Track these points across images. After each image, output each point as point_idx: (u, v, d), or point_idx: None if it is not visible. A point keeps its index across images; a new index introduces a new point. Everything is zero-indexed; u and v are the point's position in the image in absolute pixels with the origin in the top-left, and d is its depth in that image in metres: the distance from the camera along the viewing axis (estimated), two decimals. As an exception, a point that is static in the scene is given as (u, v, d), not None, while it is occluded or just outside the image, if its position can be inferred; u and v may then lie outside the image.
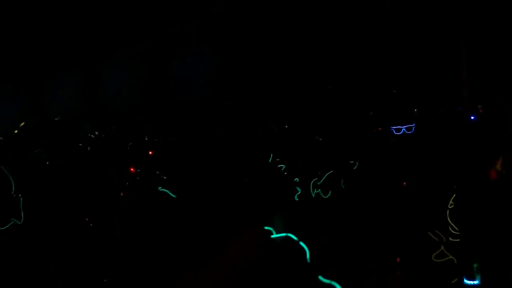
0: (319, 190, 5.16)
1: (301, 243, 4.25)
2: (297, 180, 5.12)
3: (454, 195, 4.36)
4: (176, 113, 5.57)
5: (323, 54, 5.44)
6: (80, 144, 5.57)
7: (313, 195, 5.18)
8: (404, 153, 5.14)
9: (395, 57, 5.39)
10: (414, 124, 5.27)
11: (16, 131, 5.39)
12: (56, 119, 5.63)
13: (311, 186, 5.24)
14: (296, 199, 5.09)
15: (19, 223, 5.10)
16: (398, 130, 5.30)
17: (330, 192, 5.13)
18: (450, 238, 4.37)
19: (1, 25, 5.48)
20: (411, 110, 5.27)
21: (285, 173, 5.33)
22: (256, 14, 5.48)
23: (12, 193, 5.13)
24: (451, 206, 4.34)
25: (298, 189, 5.12)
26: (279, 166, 5.35)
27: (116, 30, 5.69)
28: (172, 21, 5.63)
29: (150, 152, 5.52)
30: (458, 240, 4.22)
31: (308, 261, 4.23)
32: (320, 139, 5.48)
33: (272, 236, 4.50)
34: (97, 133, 5.43)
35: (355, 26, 5.32)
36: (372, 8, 5.37)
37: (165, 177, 5.23)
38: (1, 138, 5.34)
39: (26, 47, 5.65)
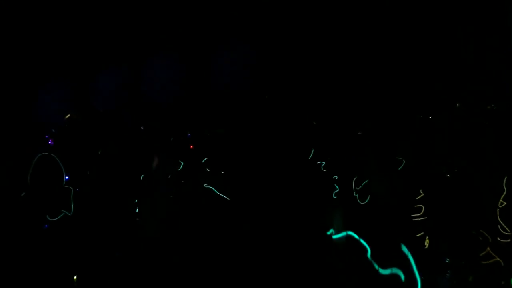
0: (357, 195, 5.15)
1: (362, 241, 4.28)
2: (336, 178, 5.12)
3: (505, 192, 4.30)
4: (218, 107, 5.60)
5: (365, 49, 5.38)
6: (125, 136, 5.68)
7: (355, 194, 5.18)
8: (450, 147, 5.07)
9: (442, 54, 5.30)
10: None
11: (65, 124, 5.54)
12: (101, 110, 5.75)
13: (353, 184, 5.23)
14: (334, 197, 5.10)
15: (69, 214, 5.26)
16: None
17: (368, 198, 5.12)
18: (499, 239, 4.33)
19: (48, 21, 5.61)
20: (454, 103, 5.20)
21: (325, 170, 5.33)
22: (300, 8, 5.46)
23: (64, 184, 5.30)
24: (502, 205, 4.28)
25: (337, 186, 5.12)
26: (318, 162, 5.35)
27: (160, 23, 5.74)
28: (214, 14, 5.64)
29: (191, 146, 5.57)
30: (509, 240, 4.17)
31: (370, 258, 4.26)
32: (360, 133, 5.45)
33: (334, 237, 4.53)
34: (142, 127, 5.54)
35: (396, 21, 5.25)
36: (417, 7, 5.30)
37: (210, 172, 5.29)
38: (53, 130, 5.49)
39: (72, 42, 5.76)
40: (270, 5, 5.49)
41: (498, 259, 4.48)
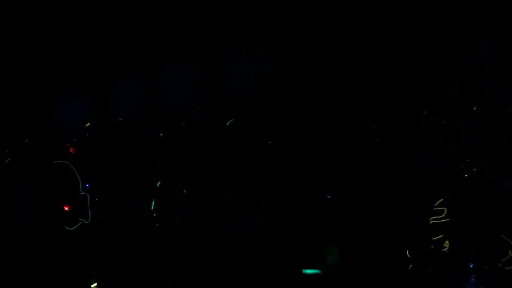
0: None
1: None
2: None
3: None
4: (235, 113, 5.63)
5: (380, 54, 5.36)
6: (143, 144, 5.74)
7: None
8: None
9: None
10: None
11: (86, 133, 5.64)
12: (119, 119, 5.84)
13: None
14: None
15: (86, 222, 5.33)
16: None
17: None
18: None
19: (67, 29, 5.75)
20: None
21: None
22: (313, 16, 5.49)
23: (80, 191, 5.37)
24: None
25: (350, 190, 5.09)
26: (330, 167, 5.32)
27: (176, 31, 5.83)
28: (229, 21, 5.71)
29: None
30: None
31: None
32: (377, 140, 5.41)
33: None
34: (161, 134, 5.61)
35: (410, 27, 5.24)
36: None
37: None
38: (75, 139, 5.60)
39: (92, 52, 5.88)
40: (285, 13, 5.54)
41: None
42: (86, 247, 5.34)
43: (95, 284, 5.38)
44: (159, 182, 5.58)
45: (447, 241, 4.63)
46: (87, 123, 5.77)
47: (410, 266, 4.76)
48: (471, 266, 4.59)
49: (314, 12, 5.54)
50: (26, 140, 5.69)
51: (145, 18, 5.82)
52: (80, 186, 5.41)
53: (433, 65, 5.25)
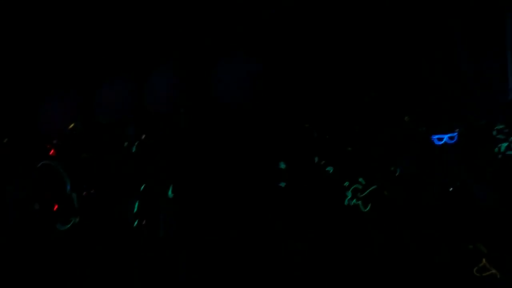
0: (359, 202, 5.20)
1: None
2: (347, 184, 5.18)
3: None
4: (220, 117, 5.66)
5: (371, 58, 5.46)
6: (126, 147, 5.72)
7: (350, 203, 5.23)
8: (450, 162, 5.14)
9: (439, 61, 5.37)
10: (456, 133, 5.26)
11: (67, 133, 5.59)
12: (104, 122, 5.80)
13: (349, 193, 5.27)
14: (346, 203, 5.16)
15: (75, 222, 5.29)
16: (440, 139, 5.29)
17: (369, 206, 5.18)
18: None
19: (54, 31, 5.69)
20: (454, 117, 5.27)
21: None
22: (307, 16, 5.54)
23: (67, 191, 5.33)
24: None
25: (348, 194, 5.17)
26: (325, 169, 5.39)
27: (164, 34, 5.82)
28: (219, 24, 5.73)
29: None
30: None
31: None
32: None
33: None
34: (143, 136, 5.58)
35: (402, 30, 5.33)
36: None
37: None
38: (55, 141, 5.54)
39: (77, 54, 5.83)
40: (273, 17, 5.58)
41: (494, 271, 4.53)
42: (72, 248, 5.31)
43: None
44: (143, 186, 5.56)
45: None
46: (70, 125, 5.71)
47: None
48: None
49: (306, 15, 5.59)
50: (5, 140, 5.62)
51: (132, 21, 5.79)
52: (68, 186, 5.37)
53: (417, 71, 5.36)
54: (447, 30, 5.27)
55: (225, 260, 5.08)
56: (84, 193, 5.46)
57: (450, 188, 4.93)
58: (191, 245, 5.21)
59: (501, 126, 5.04)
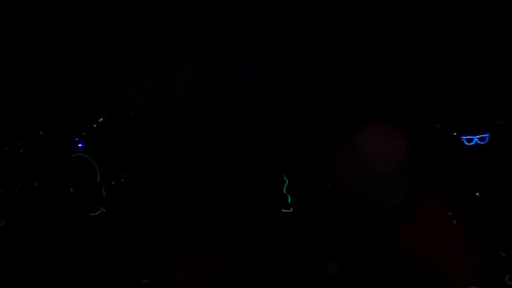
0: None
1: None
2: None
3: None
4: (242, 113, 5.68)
5: (391, 60, 5.38)
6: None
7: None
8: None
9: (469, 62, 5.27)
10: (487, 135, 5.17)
11: (95, 126, 5.71)
12: (130, 115, 5.88)
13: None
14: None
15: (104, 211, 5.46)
16: (470, 140, 5.21)
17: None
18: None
19: (80, 27, 5.77)
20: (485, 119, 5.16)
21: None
22: (325, 17, 5.49)
23: (98, 182, 5.47)
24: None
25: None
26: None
27: (187, 30, 5.84)
28: (243, 21, 5.71)
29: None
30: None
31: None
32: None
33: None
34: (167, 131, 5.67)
35: (434, 32, 5.24)
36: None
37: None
38: (84, 134, 5.67)
39: (105, 49, 5.90)
40: (297, 14, 5.55)
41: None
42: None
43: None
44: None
45: None
46: (99, 118, 5.82)
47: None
48: None
49: (328, 13, 5.54)
50: (41, 132, 5.77)
51: (158, 17, 5.83)
52: (98, 177, 5.53)
53: (450, 75, 5.26)
54: (479, 34, 5.15)
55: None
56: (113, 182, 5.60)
57: (476, 193, 4.86)
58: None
59: None
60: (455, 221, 4.83)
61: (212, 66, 5.78)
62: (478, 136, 5.19)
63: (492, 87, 5.17)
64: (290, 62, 5.57)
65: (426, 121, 5.25)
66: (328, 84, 5.56)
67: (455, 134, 5.11)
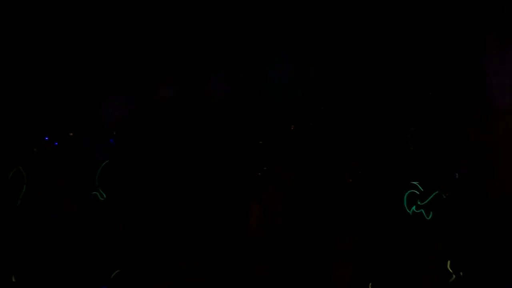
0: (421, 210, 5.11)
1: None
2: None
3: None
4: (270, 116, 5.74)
5: (421, 60, 5.37)
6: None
7: (410, 212, 5.14)
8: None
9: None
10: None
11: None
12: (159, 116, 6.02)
13: (405, 199, 5.19)
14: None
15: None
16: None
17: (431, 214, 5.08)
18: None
19: (115, 31, 5.97)
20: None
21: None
22: (351, 21, 5.55)
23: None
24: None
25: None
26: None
27: (219, 37, 5.98)
28: (272, 26, 5.82)
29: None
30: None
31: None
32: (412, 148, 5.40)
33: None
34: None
35: (465, 34, 5.21)
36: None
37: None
38: (115, 133, 5.83)
39: (138, 52, 6.07)
40: (324, 19, 5.62)
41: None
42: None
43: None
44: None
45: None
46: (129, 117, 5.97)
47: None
48: None
49: (354, 18, 5.59)
50: (70, 133, 5.94)
51: (189, 21, 5.98)
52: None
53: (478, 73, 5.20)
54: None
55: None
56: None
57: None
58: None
59: None
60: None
61: (244, 71, 5.88)
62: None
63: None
64: (322, 66, 5.62)
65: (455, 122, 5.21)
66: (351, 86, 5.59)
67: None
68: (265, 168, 5.55)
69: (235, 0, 5.77)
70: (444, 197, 5.05)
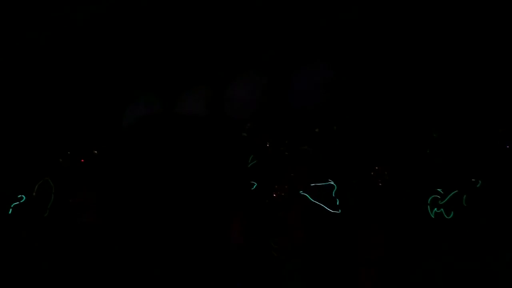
0: (441, 209, 5.09)
1: None
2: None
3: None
4: (295, 123, 5.77)
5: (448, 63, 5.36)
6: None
7: (432, 215, 5.12)
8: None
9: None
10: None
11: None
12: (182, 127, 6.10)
13: (429, 203, 5.16)
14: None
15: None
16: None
17: (452, 213, 5.05)
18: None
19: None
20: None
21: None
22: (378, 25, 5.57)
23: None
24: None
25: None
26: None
27: (243, 45, 6.05)
28: (294, 34, 5.87)
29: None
30: None
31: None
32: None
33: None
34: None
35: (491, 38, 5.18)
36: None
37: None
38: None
39: (161, 65, 6.18)
40: (348, 26, 5.66)
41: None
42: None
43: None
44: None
45: None
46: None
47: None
48: None
49: (376, 24, 5.61)
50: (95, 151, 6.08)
51: (212, 31, 6.07)
52: None
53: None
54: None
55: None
56: None
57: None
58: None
59: None
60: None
61: (268, 78, 5.93)
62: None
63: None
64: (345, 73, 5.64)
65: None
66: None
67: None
68: (292, 175, 5.55)
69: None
70: (465, 204, 5.02)
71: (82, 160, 6.14)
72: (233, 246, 5.55)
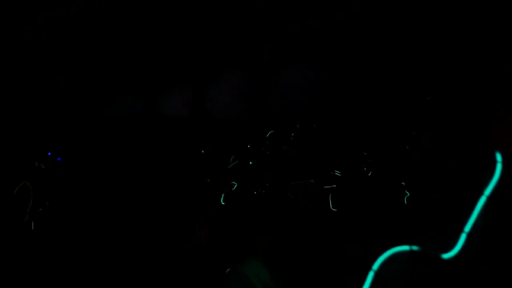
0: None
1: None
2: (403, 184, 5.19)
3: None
4: (277, 123, 5.82)
5: (419, 66, 5.47)
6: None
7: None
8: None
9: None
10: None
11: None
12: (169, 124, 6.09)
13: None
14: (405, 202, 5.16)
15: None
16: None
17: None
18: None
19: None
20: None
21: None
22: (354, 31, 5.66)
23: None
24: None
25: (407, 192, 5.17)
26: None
27: (226, 46, 6.08)
28: (278, 37, 5.93)
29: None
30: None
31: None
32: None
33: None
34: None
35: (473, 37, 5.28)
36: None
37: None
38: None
39: (141, 64, 6.16)
40: (329, 30, 5.74)
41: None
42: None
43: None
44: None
45: None
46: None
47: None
48: None
49: (361, 21, 5.67)
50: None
51: (195, 31, 6.07)
52: None
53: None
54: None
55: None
56: None
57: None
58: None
59: None
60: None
61: (251, 78, 5.96)
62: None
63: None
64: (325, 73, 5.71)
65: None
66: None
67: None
68: (273, 174, 5.60)
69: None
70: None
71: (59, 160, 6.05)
72: (202, 243, 5.54)
